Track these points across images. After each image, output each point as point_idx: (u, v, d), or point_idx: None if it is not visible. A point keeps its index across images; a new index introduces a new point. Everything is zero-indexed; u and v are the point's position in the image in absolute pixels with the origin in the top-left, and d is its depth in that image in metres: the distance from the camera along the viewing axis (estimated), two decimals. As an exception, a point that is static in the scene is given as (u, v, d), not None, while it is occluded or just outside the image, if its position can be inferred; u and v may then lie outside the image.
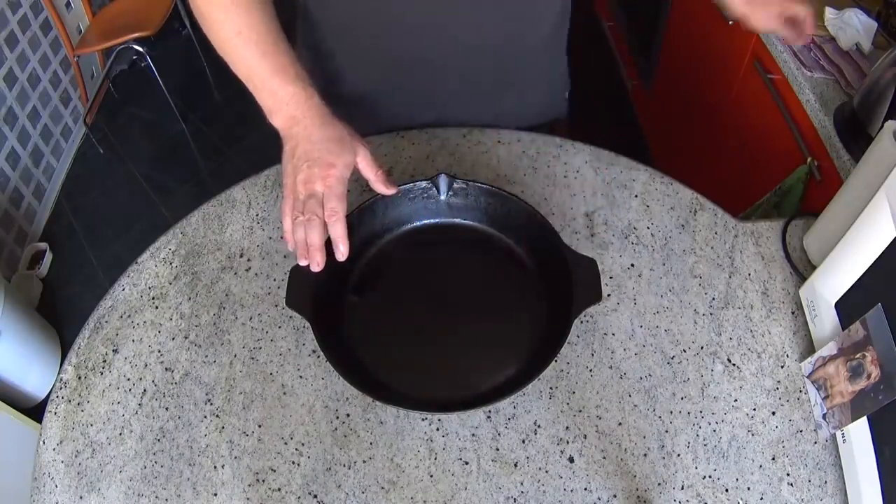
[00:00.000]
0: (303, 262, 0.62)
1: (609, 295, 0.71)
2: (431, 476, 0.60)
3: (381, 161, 0.82)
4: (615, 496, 0.59)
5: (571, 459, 0.61)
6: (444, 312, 0.68)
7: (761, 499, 0.58)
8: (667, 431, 0.62)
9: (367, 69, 0.81)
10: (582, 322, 0.69)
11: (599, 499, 0.58)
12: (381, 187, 0.66)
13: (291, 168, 0.62)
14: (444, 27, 0.74)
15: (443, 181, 0.70)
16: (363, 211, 0.68)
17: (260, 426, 0.63)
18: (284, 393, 0.65)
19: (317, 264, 0.61)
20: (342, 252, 0.62)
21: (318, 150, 0.61)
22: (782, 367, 0.66)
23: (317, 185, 0.61)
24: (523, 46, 0.81)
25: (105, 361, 0.68)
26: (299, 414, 0.64)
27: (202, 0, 0.65)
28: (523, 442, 0.62)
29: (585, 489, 0.59)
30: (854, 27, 1.07)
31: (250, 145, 2.36)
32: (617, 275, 0.72)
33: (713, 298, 0.71)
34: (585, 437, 0.62)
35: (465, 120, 0.86)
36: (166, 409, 0.64)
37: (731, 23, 1.31)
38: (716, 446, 0.61)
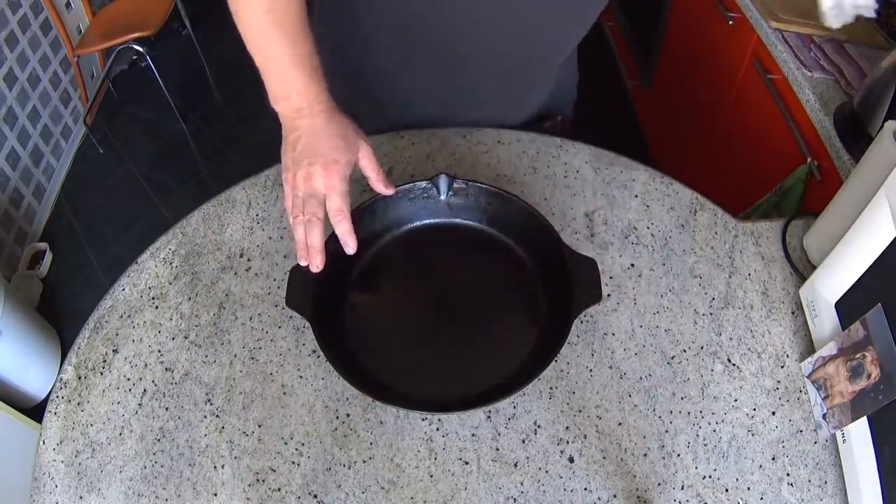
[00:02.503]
0: (303, 263, 0.62)
1: (609, 295, 0.71)
2: (431, 476, 0.60)
3: (381, 161, 0.82)
4: (615, 496, 0.59)
5: (571, 459, 0.61)
6: (444, 312, 0.68)
7: (761, 499, 0.58)
8: (667, 431, 0.62)
9: (394, 50, 0.79)
10: (582, 322, 0.69)
11: (599, 499, 0.58)
12: (381, 187, 0.66)
13: (291, 162, 0.61)
14: (482, 20, 0.72)
15: (443, 181, 0.70)
16: (363, 211, 0.68)
17: (260, 426, 0.63)
18: (284, 393, 0.65)
19: (316, 266, 0.62)
20: (351, 247, 0.63)
21: (321, 146, 0.61)
22: (782, 367, 0.66)
23: (317, 183, 0.60)
24: (561, 54, 0.81)
25: (105, 361, 0.68)
26: (299, 414, 0.64)
27: None
28: (523, 442, 0.62)
29: (585, 489, 0.59)
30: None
31: (250, 145, 2.36)
32: (617, 275, 0.72)
33: (713, 298, 0.71)
34: (585, 437, 0.62)
35: (478, 107, 0.85)
36: (166, 409, 0.64)
37: (730, 22, 1.32)
38: (716, 446, 0.61)
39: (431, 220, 0.73)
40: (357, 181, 0.80)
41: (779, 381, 0.65)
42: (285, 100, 0.63)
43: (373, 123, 0.87)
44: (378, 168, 0.65)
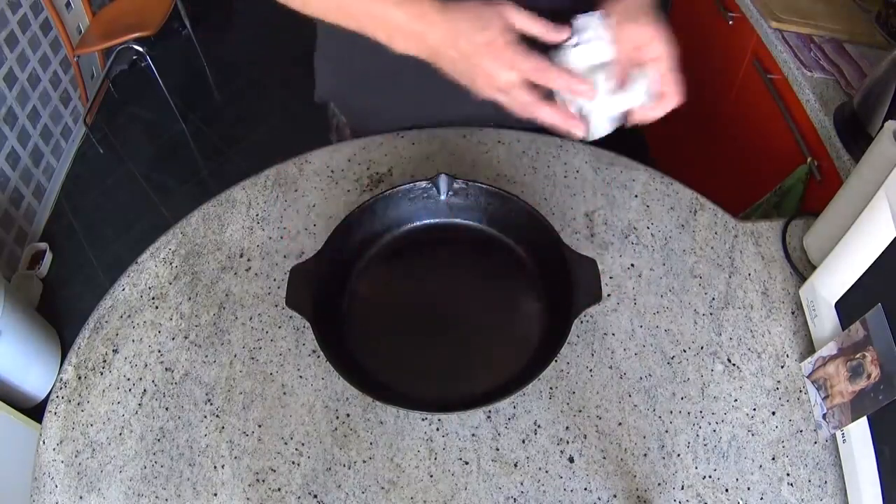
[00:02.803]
0: (577, 132, 0.57)
1: (609, 295, 0.71)
2: (431, 476, 0.60)
3: (381, 160, 0.82)
4: (615, 496, 0.59)
5: (571, 459, 0.61)
6: (444, 312, 0.68)
7: (761, 499, 0.58)
8: (667, 431, 0.62)
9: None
10: (582, 322, 0.69)
11: (599, 499, 0.58)
12: (551, 35, 0.57)
13: (468, 79, 0.57)
14: None
15: (443, 181, 0.70)
16: (363, 211, 0.68)
17: (260, 426, 0.63)
18: (284, 393, 0.65)
19: (579, 131, 0.57)
20: (585, 90, 0.56)
21: (466, 39, 0.55)
22: (782, 367, 0.66)
23: (499, 74, 0.55)
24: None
25: (105, 361, 0.68)
26: (299, 414, 0.64)
27: None
28: (523, 442, 0.62)
29: (585, 489, 0.59)
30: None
31: (250, 145, 2.36)
32: (617, 275, 0.72)
33: (713, 298, 0.71)
34: (585, 437, 0.62)
35: (478, 104, 0.85)
36: (166, 409, 0.64)
37: (730, 22, 1.32)
38: (716, 446, 0.61)
39: (431, 220, 0.73)
40: (357, 180, 0.81)
41: (779, 381, 0.65)
42: (401, 37, 0.58)
43: (373, 124, 0.87)
44: (535, 18, 0.56)
